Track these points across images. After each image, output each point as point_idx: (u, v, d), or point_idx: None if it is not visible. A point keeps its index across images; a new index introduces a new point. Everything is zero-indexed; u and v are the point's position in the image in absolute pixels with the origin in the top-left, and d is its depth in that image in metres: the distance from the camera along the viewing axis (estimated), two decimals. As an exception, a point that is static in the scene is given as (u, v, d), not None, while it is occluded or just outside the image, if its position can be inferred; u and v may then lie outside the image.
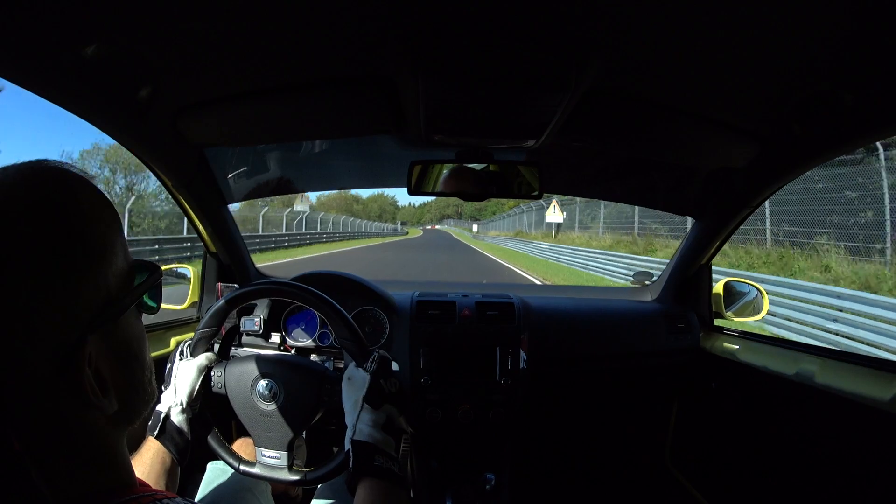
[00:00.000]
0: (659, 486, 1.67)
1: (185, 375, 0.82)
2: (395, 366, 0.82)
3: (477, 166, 1.17)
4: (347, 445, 0.71)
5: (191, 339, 0.87)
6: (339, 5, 0.65)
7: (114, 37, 0.65)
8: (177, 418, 0.79)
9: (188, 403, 0.80)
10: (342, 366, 0.80)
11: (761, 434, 1.25)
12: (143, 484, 0.44)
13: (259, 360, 0.87)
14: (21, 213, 0.33)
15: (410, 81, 0.83)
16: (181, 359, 0.85)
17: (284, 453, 0.83)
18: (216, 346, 0.92)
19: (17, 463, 0.33)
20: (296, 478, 0.82)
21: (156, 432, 0.77)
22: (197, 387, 0.82)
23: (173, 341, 1.26)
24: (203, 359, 0.84)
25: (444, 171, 1.16)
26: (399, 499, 0.67)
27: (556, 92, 0.83)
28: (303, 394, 0.84)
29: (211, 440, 0.87)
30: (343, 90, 0.91)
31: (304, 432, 0.86)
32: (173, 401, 0.80)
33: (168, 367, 0.85)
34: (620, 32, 0.69)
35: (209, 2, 0.62)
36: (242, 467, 0.85)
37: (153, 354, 1.16)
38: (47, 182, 0.35)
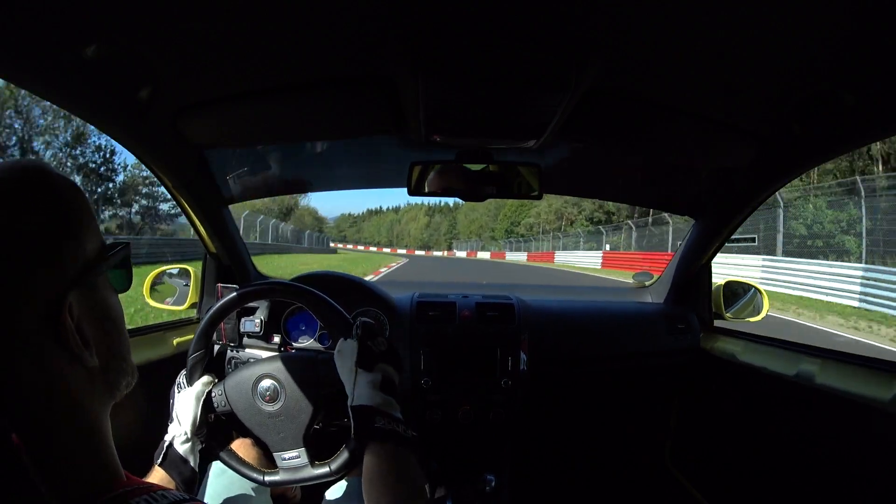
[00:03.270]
0: (659, 487, 1.66)
1: (184, 406, 0.82)
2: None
3: (477, 167, 1.17)
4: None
5: (185, 371, 0.86)
6: (339, 5, 0.65)
7: (114, 37, 0.65)
8: (180, 448, 0.79)
9: (192, 433, 0.80)
10: None
11: (761, 434, 1.25)
12: (129, 476, 0.45)
13: (253, 364, 0.87)
14: (13, 195, 0.39)
15: (410, 81, 0.83)
16: (179, 391, 0.84)
17: (302, 449, 0.82)
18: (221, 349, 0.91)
19: (14, 458, 0.35)
20: (322, 471, 0.80)
21: (160, 460, 0.78)
22: (198, 415, 0.81)
23: (174, 342, 1.26)
24: (199, 385, 0.83)
25: (444, 172, 1.16)
26: (407, 461, 0.65)
27: (556, 92, 0.83)
28: (302, 384, 0.84)
29: (230, 460, 0.86)
30: (343, 90, 0.91)
31: (314, 425, 0.85)
32: (177, 431, 0.80)
33: (171, 403, 0.85)
34: (620, 32, 0.69)
35: (209, 2, 0.62)
36: (268, 478, 0.84)
37: (155, 357, 1.17)
38: (31, 173, 0.41)
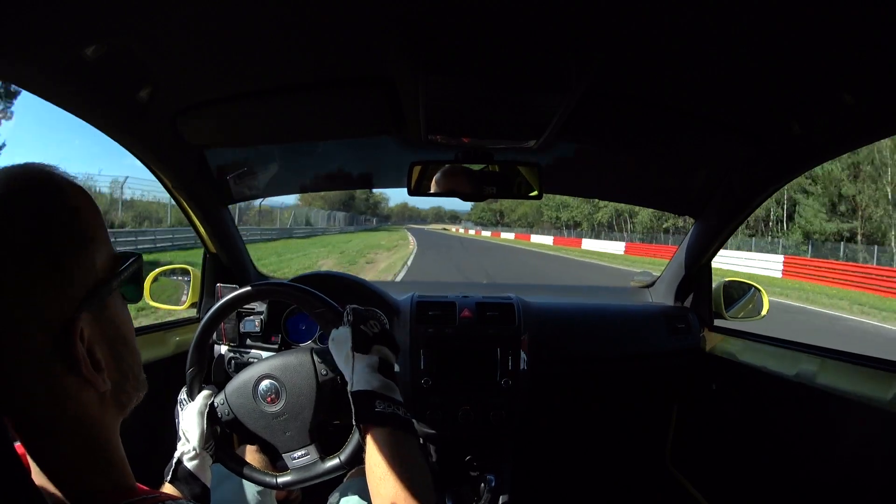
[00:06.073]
0: (660, 488, 1.66)
1: (189, 422, 0.81)
2: (397, 372, 0.80)
3: (477, 167, 1.17)
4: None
5: (186, 388, 0.86)
6: (338, 6, 0.65)
7: (114, 37, 0.65)
8: (189, 464, 0.79)
9: (201, 447, 0.80)
10: None
11: (762, 434, 1.25)
12: (142, 488, 0.45)
13: (251, 367, 0.87)
14: (16, 207, 0.38)
15: (410, 81, 0.83)
16: (182, 408, 0.84)
17: (311, 446, 0.82)
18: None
19: (17, 464, 0.34)
20: (333, 463, 0.80)
21: (169, 477, 0.78)
22: (204, 428, 0.81)
23: (174, 343, 1.26)
24: (201, 399, 0.83)
25: (444, 172, 1.16)
26: (408, 444, 0.65)
27: (557, 92, 0.84)
28: (301, 378, 0.83)
29: (240, 468, 0.85)
30: (343, 91, 0.91)
31: (318, 420, 0.84)
32: (186, 448, 0.80)
33: (176, 422, 0.85)
34: (620, 33, 0.69)
35: (209, 2, 0.62)
36: (281, 480, 0.83)
37: (155, 357, 1.17)
38: (36, 181, 0.39)
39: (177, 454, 0.80)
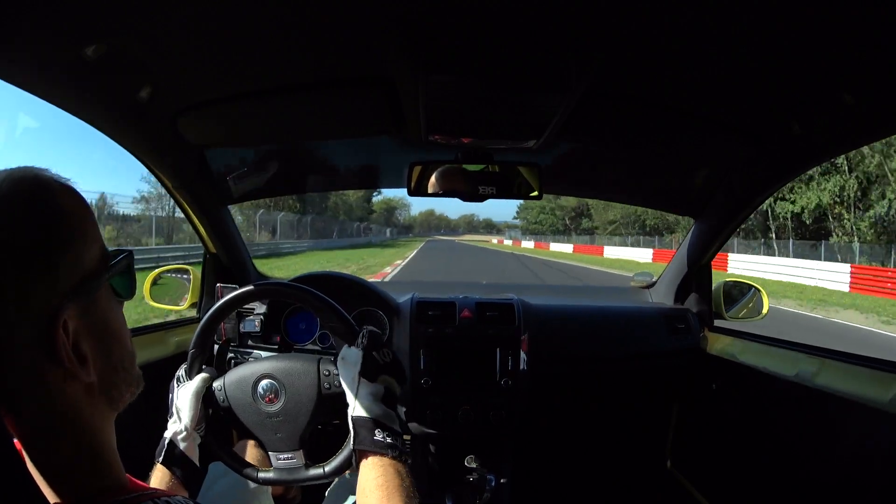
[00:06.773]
0: (660, 488, 1.66)
1: (184, 401, 0.81)
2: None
3: (477, 167, 1.17)
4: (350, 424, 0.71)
5: (186, 365, 0.86)
6: (339, 6, 0.65)
7: (114, 38, 0.65)
8: (181, 444, 0.79)
9: (192, 428, 0.80)
10: None
11: (762, 434, 1.25)
12: (133, 482, 0.45)
13: (254, 363, 0.87)
14: (7, 205, 0.39)
15: (410, 81, 0.83)
16: (179, 385, 0.84)
17: (299, 452, 0.83)
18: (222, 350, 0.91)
19: (16, 462, 0.35)
20: (317, 472, 0.81)
21: (161, 458, 0.78)
22: (198, 410, 0.81)
23: (174, 343, 1.26)
24: (198, 380, 0.83)
25: (444, 172, 1.16)
26: (403, 474, 0.66)
27: (557, 92, 0.84)
28: (303, 385, 0.83)
29: (225, 457, 0.86)
30: (343, 91, 0.91)
31: (312, 428, 0.84)
32: (177, 428, 0.80)
33: (170, 397, 0.85)
34: (621, 33, 0.69)
35: (209, 2, 0.62)
36: (262, 475, 0.84)
37: (155, 357, 1.17)
38: (28, 182, 0.41)
39: (168, 434, 0.80)
